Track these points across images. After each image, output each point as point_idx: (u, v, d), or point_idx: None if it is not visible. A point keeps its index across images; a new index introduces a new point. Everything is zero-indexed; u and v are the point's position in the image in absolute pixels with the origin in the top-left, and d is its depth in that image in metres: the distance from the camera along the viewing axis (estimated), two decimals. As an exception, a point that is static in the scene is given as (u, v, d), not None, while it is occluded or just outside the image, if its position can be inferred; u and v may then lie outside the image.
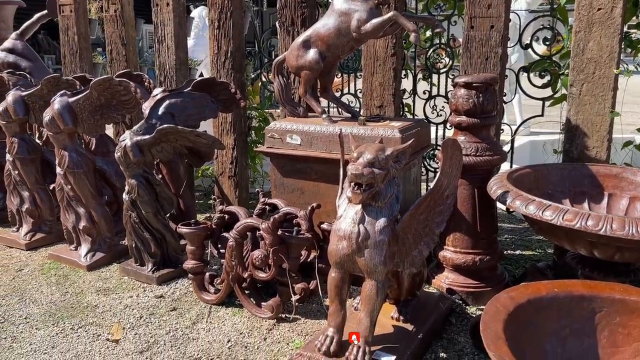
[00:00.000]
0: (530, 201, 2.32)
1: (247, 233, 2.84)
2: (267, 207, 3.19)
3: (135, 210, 3.23)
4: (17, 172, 3.85)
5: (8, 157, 3.86)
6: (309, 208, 2.93)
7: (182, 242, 3.26)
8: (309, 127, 3.11)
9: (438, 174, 2.30)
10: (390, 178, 2.18)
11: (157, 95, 3.61)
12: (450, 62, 3.48)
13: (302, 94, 3.21)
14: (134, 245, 3.31)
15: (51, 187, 3.90)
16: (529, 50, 3.46)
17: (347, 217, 2.22)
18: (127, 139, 3.13)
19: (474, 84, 2.75)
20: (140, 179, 3.17)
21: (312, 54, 3.08)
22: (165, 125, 3.04)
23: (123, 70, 4.06)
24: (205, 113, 3.47)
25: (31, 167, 3.84)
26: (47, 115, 3.37)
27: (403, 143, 2.82)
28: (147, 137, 3.11)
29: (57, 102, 3.34)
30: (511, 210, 3.27)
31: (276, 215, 2.76)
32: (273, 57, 4.43)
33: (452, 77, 3.59)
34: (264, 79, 4.15)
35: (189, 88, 3.55)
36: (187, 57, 4.57)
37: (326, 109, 3.22)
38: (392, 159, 2.18)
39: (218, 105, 3.50)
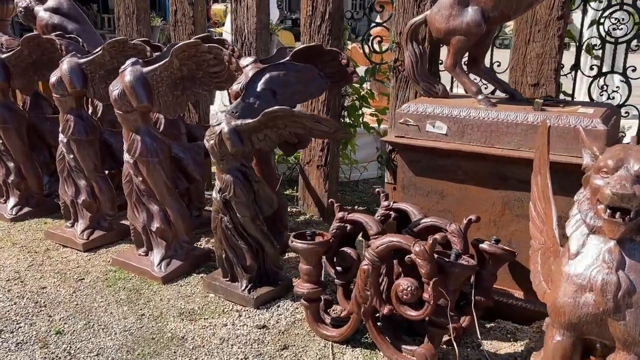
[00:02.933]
0: None
1: (390, 255, 2.13)
2: (391, 213, 2.48)
3: (229, 213, 2.54)
4: (72, 156, 3.18)
5: (62, 137, 3.19)
6: (465, 221, 2.21)
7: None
8: (461, 111, 2.36)
9: None
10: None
11: (247, 65, 2.89)
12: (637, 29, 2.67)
13: (450, 67, 2.45)
14: (224, 255, 2.63)
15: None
16: None
17: (590, 255, 1.49)
18: (224, 122, 2.41)
19: None
20: (237, 175, 2.47)
21: (471, 13, 2.31)
22: (277, 108, 2.31)
23: (202, 34, 3.33)
24: (311, 90, 2.73)
25: (89, 150, 3.17)
26: (115, 89, 2.66)
27: (609, 137, 2.07)
28: (249, 121, 2.39)
29: (128, 72, 2.63)
30: None
31: (436, 236, 2.03)
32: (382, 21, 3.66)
33: (635, 48, 2.78)
34: (366, 48, 3.38)
35: (287, 58, 2.83)
36: (269, 20, 3.81)
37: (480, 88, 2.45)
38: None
39: (326, 81, 2.75)
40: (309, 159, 3.64)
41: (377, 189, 2.61)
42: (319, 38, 3.39)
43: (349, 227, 2.39)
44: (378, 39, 3.31)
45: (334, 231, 2.39)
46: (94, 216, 3.27)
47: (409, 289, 2.03)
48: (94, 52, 3.08)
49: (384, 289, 2.19)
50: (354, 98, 3.78)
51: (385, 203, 2.51)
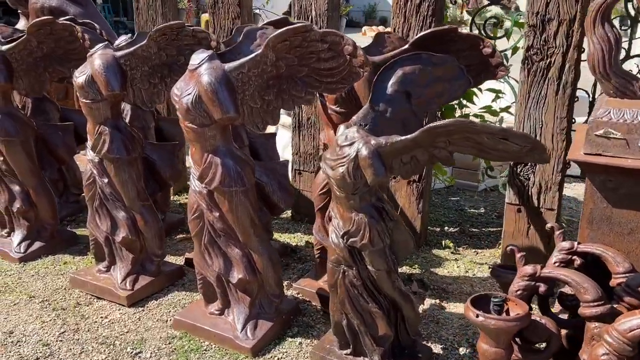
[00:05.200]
0: None
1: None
2: (574, 258, 1.81)
3: (356, 266, 1.82)
4: (106, 180, 2.40)
5: (91, 155, 2.41)
6: None
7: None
8: (694, 120, 1.68)
9: None
10: None
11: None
12: None
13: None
14: (344, 321, 1.91)
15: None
16: None
17: None
18: (360, 142, 1.68)
19: None
20: (372, 214, 1.75)
21: None
22: (450, 122, 1.57)
23: (279, 17, 2.58)
24: (454, 89, 2.02)
25: (130, 172, 2.40)
26: (188, 95, 1.90)
27: None
28: (397, 139, 1.66)
29: (207, 71, 1.87)
30: None
31: None
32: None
33: None
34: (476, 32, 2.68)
35: (406, 46, 2.12)
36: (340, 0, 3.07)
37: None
38: None
39: (469, 77, 2.04)
40: (396, 173, 2.93)
41: (549, 224, 1.93)
42: (417, 20, 2.67)
43: (542, 286, 1.70)
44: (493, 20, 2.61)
45: (518, 292, 1.71)
46: (136, 258, 2.50)
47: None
48: (137, 42, 2.30)
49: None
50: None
51: (566, 245, 1.84)
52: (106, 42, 2.37)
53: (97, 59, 2.27)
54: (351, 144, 1.70)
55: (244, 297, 2.16)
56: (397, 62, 1.91)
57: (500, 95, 3.20)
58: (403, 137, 1.66)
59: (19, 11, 4.82)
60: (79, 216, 3.38)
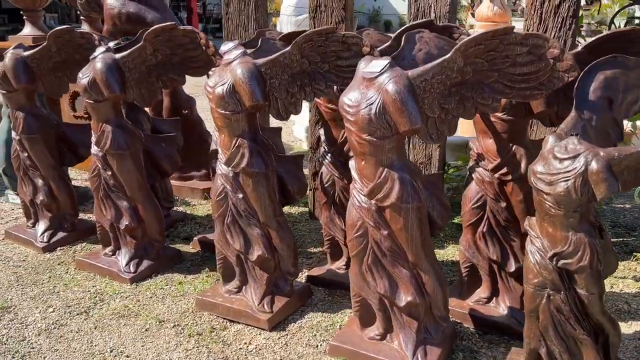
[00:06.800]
0: None
1: None
2: None
3: (564, 289, 1.67)
4: (241, 196, 2.24)
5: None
6: None
7: None
8: None
9: None
10: None
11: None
12: None
13: None
14: (543, 349, 1.76)
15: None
16: None
17: None
18: (589, 154, 1.53)
19: None
20: (592, 232, 1.60)
21: None
22: None
23: (424, 19, 2.43)
24: (647, 95, 1.88)
25: (267, 186, 2.24)
26: (369, 106, 1.75)
27: None
28: (632, 151, 1.51)
29: (392, 79, 1.72)
30: None
31: None
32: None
33: None
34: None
35: (580, 49, 1.97)
36: None
37: None
38: None
39: (658, 81, 1.89)
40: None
41: None
42: (556, 22, 2.52)
43: None
44: None
45: None
46: (271, 277, 2.34)
47: None
48: (263, 48, 2.16)
49: None
50: None
51: None
52: (244, 50, 2.22)
53: (239, 68, 2.12)
54: (575, 157, 1.55)
55: (411, 321, 2.00)
56: (595, 66, 1.76)
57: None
58: (635, 149, 1.51)
59: (81, 17, 4.71)
60: (171, 231, 3.23)
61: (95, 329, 2.28)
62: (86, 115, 4.36)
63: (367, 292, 2.03)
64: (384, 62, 1.79)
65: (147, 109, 3.39)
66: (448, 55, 1.74)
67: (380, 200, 1.85)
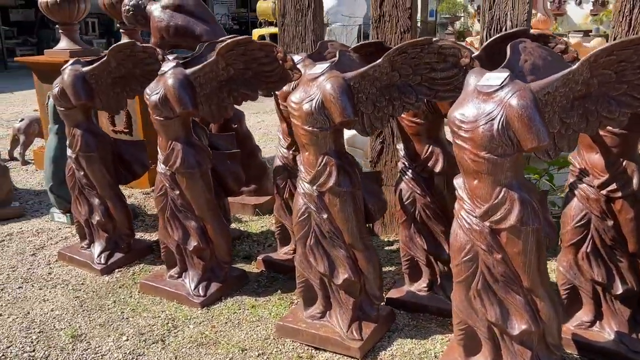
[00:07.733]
0: None
1: None
2: None
3: None
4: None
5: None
6: None
7: None
8: None
9: None
10: None
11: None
12: None
13: None
14: None
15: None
16: None
17: None
18: None
19: None
20: None
21: None
22: None
23: (519, 27, 2.32)
24: None
25: (352, 205, 2.12)
26: (490, 122, 1.63)
27: None
28: None
29: (516, 94, 1.60)
30: None
31: None
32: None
33: None
34: None
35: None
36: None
37: None
38: None
39: None
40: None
41: None
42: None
43: None
44: None
45: None
46: (356, 301, 2.22)
47: None
48: (342, 62, 2.04)
49: None
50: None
51: None
52: (330, 63, 2.11)
53: (328, 83, 2.01)
54: None
55: (523, 350, 1.86)
56: None
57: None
58: None
59: (121, 30, 4.63)
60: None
61: (175, 359, 2.16)
62: (126, 130, 4.28)
63: (475, 320, 1.90)
64: (503, 74, 1.67)
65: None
66: (574, 66, 1.62)
67: (497, 223, 1.73)
